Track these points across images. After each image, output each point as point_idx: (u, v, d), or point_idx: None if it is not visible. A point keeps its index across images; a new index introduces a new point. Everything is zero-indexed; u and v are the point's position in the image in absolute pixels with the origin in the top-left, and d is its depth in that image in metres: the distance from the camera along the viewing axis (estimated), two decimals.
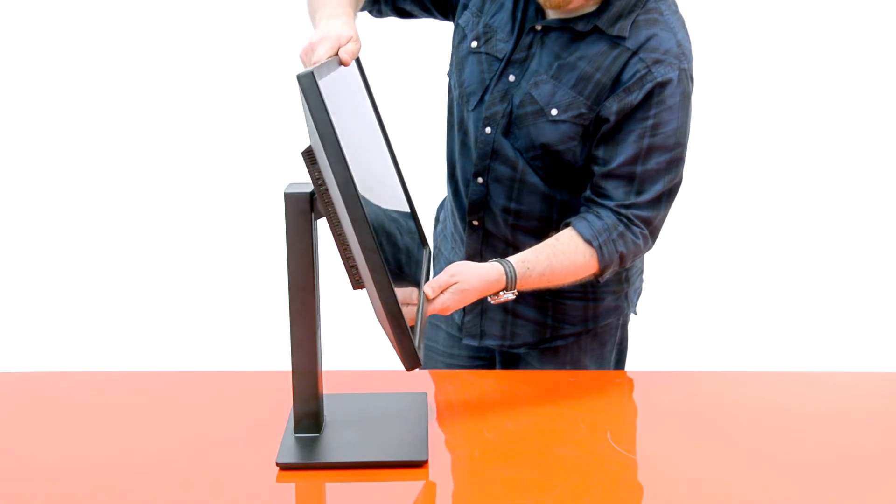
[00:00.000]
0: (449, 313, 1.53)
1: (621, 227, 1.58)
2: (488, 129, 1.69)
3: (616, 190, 1.58)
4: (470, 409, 1.58)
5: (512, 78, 1.65)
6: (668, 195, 1.61)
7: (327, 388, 1.49)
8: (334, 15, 1.51)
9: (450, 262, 1.86)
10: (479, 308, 1.81)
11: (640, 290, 1.90)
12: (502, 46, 1.67)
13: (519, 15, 1.66)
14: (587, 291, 1.76)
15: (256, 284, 3.85)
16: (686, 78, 1.58)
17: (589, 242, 1.57)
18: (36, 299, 3.90)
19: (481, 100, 1.69)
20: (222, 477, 1.37)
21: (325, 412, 1.48)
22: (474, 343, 1.85)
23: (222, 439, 1.47)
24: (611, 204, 1.58)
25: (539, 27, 1.63)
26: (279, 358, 1.47)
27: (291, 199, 1.35)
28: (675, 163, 1.59)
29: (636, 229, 1.59)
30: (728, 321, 3.76)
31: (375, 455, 1.38)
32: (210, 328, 3.67)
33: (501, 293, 1.54)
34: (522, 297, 1.75)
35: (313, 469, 1.37)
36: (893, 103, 4.58)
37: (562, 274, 1.57)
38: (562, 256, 1.56)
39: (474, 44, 1.70)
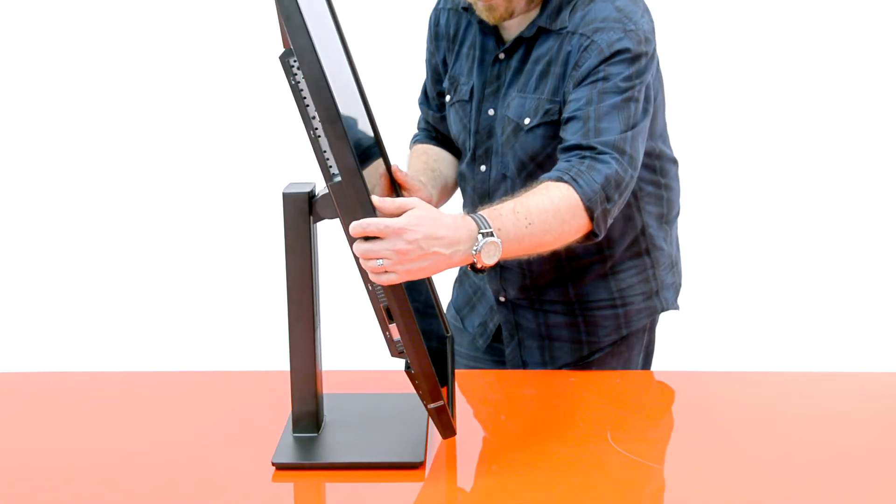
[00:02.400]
0: (391, 256, 1.25)
1: (587, 161, 1.49)
2: (483, 168, 1.72)
3: (574, 135, 1.53)
4: (470, 409, 1.58)
5: (491, 112, 1.69)
6: (631, 128, 1.55)
7: (327, 388, 1.49)
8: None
9: (478, 288, 1.87)
10: (517, 339, 1.81)
11: (679, 286, 1.86)
12: (465, 89, 1.72)
13: (476, 52, 1.70)
14: (615, 299, 1.75)
15: (256, 284, 3.85)
16: (636, 38, 1.55)
17: (560, 179, 1.47)
18: (36, 299, 3.90)
19: (470, 143, 1.73)
20: (220, 476, 1.37)
21: (325, 412, 1.48)
22: (519, 369, 1.84)
23: (222, 439, 1.47)
24: (572, 143, 1.52)
25: (502, 56, 1.66)
26: (281, 358, 1.47)
27: (290, 200, 1.35)
28: (628, 102, 1.55)
29: (604, 156, 1.50)
30: (728, 321, 3.76)
31: (371, 456, 1.38)
32: (210, 328, 3.67)
33: (479, 237, 1.31)
34: (551, 315, 1.76)
35: (309, 469, 1.37)
36: (892, 103, 4.57)
37: (539, 210, 1.40)
38: (534, 196, 1.42)
39: (448, 98, 1.77)
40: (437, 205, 1.72)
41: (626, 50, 1.55)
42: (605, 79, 1.55)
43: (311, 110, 1.25)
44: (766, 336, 3.69)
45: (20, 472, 1.39)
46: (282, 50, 1.25)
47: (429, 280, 1.55)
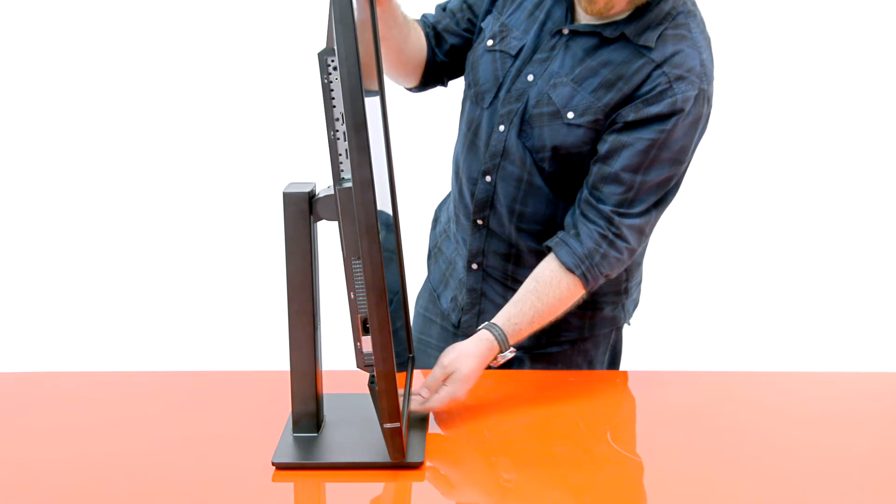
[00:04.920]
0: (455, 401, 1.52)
1: (604, 247, 1.58)
2: (501, 128, 1.68)
3: (612, 196, 1.57)
4: (470, 409, 1.57)
5: (531, 78, 1.65)
6: (658, 205, 1.61)
7: (327, 388, 1.49)
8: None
9: (450, 262, 1.87)
10: (477, 309, 1.81)
11: (638, 302, 1.89)
12: (515, 44, 1.67)
13: (540, 15, 1.66)
14: (585, 303, 1.75)
15: (256, 284, 3.85)
16: (703, 99, 1.57)
17: (571, 272, 1.58)
18: (36, 299, 3.90)
19: (495, 97, 1.69)
20: (220, 476, 1.37)
21: (325, 412, 1.48)
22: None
23: (223, 439, 1.47)
24: (606, 209, 1.57)
25: (567, 31, 1.63)
26: (281, 358, 1.47)
27: (290, 200, 1.35)
28: (672, 178, 1.60)
29: (621, 244, 1.58)
30: (728, 321, 3.76)
31: (371, 456, 1.38)
32: (210, 328, 3.67)
33: (499, 356, 1.56)
34: None
35: (309, 469, 1.37)
36: (892, 103, 4.58)
37: (550, 312, 1.59)
38: (546, 298, 1.58)
39: (490, 42, 1.71)
40: (390, 32, 1.66)
41: (691, 110, 1.56)
42: (663, 143, 1.56)
43: (337, 112, 1.25)
44: (765, 337, 3.69)
45: (20, 472, 1.39)
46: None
47: (404, 303, 1.58)
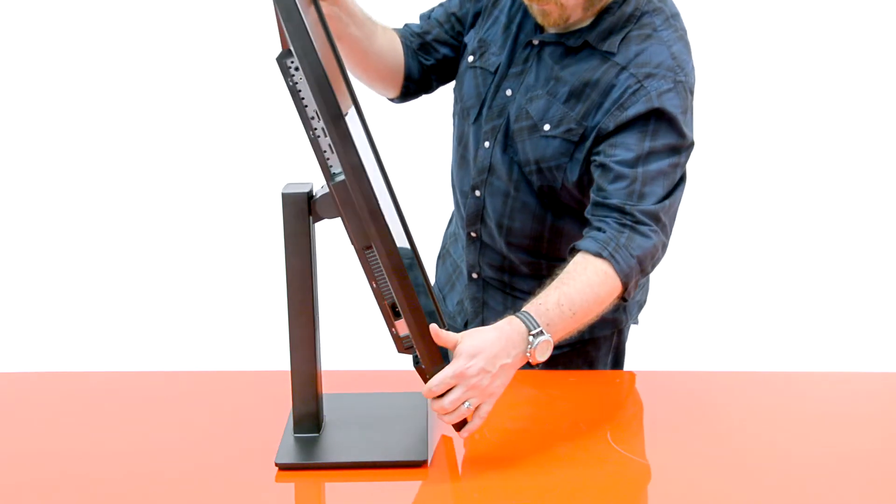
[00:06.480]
0: (483, 392, 1.36)
1: (627, 232, 1.50)
2: (487, 144, 1.68)
3: (618, 190, 1.52)
4: None
5: (509, 92, 1.65)
6: (671, 194, 1.56)
7: (327, 388, 1.49)
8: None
9: (457, 266, 1.88)
10: (480, 318, 1.82)
11: (644, 303, 1.88)
12: (494, 60, 1.67)
13: (514, 28, 1.66)
14: None
15: (255, 284, 3.85)
16: (684, 90, 1.54)
17: (599, 255, 1.48)
18: (36, 299, 3.90)
19: (479, 114, 1.69)
20: (222, 477, 1.37)
21: (325, 412, 1.48)
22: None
23: (222, 439, 1.47)
24: (614, 202, 1.51)
25: (536, 42, 1.62)
26: (281, 358, 1.47)
27: (289, 200, 1.35)
28: (675, 167, 1.56)
29: (643, 227, 1.50)
30: (727, 322, 3.76)
31: (375, 455, 1.38)
32: (210, 328, 3.67)
33: (531, 338, 1.38)
34: (520, 303, 1.72)
35: (312, 469, 1.37)
36: (893, 103, 4.58)
37: (581, 299, 1.44)
38: (573, 282, 1.45)
39: (471, 58, 1.71)
40: (349, 27, 1.62)
41: (672, 103, 1.52)
42: (654, 134, 1.52)
43: (311, 111, 1.24)
44: (765, 337, 3.69)
45: (20, 472, 1.39)
46: (278, 52, 1.25)
47: (426, 283, 1.55)
